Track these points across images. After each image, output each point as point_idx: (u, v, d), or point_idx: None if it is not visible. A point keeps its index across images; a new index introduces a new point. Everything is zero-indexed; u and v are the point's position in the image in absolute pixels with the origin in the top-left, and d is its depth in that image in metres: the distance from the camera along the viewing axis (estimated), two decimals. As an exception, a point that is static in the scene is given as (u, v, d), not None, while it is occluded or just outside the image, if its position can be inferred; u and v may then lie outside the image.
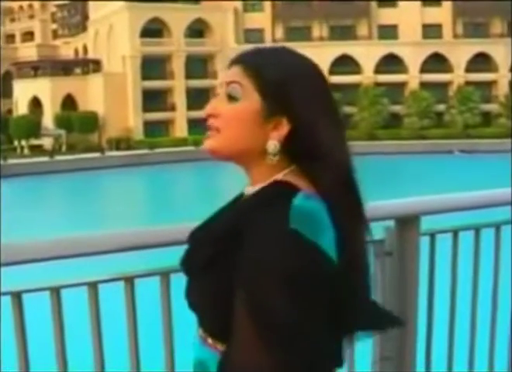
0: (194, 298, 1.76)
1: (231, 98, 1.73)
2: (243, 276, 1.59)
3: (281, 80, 1.70)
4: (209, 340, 1.75)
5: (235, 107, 1.72)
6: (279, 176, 1.72)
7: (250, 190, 1.77)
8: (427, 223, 2.98)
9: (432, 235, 3.02)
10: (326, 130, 1.71)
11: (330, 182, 1.68)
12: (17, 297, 2.34)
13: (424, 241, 2.99)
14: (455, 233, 3.10)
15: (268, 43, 67.94)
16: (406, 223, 2.90)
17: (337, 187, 1.69)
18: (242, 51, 1.82)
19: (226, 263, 1.66)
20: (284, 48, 1.82)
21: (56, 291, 2.38)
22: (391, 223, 2.90)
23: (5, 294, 2.33)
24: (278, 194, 1.67)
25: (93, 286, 2.43)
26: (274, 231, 1.59)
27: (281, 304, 1.54)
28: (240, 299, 1.59)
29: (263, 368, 1.56)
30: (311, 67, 1.78)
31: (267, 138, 1.71)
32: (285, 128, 1.70)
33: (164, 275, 2.49)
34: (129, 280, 2.47)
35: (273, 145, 1.70)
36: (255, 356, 1.57)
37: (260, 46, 1.84)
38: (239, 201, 1.80)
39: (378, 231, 2.80)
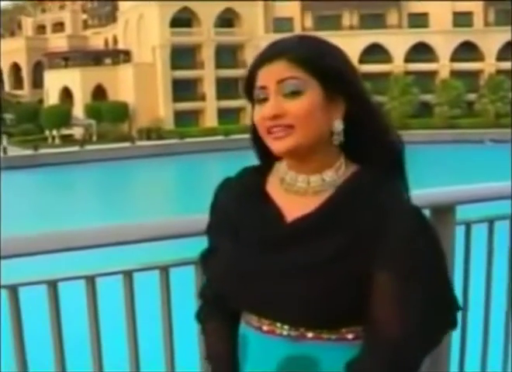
0: (302, 298, 1.71)
1: (294, 93, 1.71)
2: (394, 254, 1.68)
3: (334, 63, 1.74)
4: (310, 334, 1.75)
5: (301, 101, 1.70)
6: (342, 160, 1.80)
7: (328, 176, 1.79)
8: (462, 213, 2.95)
9: (468, 225, 2.99)
10: (377, 105, 1.82)
11: (391, 158, 1.81)
12: (53, 286, 2.35)
13: (460, 231, 2.96)
14: (491, 223, 3.06)
15: (297, 32, 67.70)
16: (442, 213, 2.87)
17: (392, 163, 1.81)
18: (273, 46, 1.78)
19: (360, 250, 1.70)
20: (300, 34, 1.86)
21: (91, 280, 2.39)
22: (426, 212, 2.88)
23: (41, 282, 2.34)
24: (381, 179, 1.77)
25: (128, 275, 2.43)
26: (409, 211, 1.73)
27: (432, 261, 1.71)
28: (381, 271, 1.68)
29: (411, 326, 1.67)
30: (342, 51, 1.82)
31: (331, 120, 1.74)
32: (342, 106, 1.75)
33: (199, 265, 2.48)
34: (164, 269, 2.47)
35: (339, 123, 1.75)
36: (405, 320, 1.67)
37: (285, 36, 1.83)
38: (336, 190, 1.78)
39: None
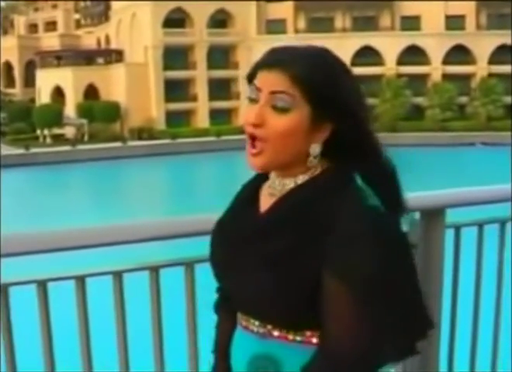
0: (258, 291, 1.73)
1: (280, 109, 1.69)
2: (339, 252, 1.64)
3: (330, 87, 1.70)
4: (276, 333, 1.77)
5: (286, 119, 1.69)
6: (319, 167, 1.78)
7: (300, 179, 1.79)
8: (451, 216, 2.96)
9: (457, 228, 3.01)
10: (370, 127, 1.78)
11: (379, 177, 1.77)
12: (42, 286, 2.35)
13: (449, 234, 2.97)
14: (480, 226, 3.08)
15: (290, 34, 67.85)
16: (432, 216, 2.88)
17: (385, 181, 1.79)
18: (274, 52, 1.77)
19: (309, 250, 1.68)
20: (315, 47, 1.79)
21: (81, 280, 2.39)
22: (416, 215, 2.89)
23: (31, 282, 2.34)
24: (338, 180, 1.75)
25: (118, 275, 2.44)
26: (357, 210, 1.67)
27: (379, 264, 1.63)
28: (331, 277, 1.64)
29: (363, 330, 1.63)
30: (345, 66, 1.79)
31: (311, 142, 1.73)
32: (328, 130, 1.72)
33: (189, 265, 2.49)
34: (155, 270, 2.47)
35: (316, 147, 1.73)
36: (355, 323, 1.63)
37: (289, 45, 1.79)
38: (292, 190, 1.79)
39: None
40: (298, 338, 1.76)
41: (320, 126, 1.73)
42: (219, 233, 1.94)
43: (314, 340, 1.75)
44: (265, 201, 1.85)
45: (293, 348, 1.76)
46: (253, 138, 1.74)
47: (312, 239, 1.69)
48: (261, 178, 1.93)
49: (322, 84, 1.70)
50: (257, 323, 1.81)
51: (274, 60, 1.74)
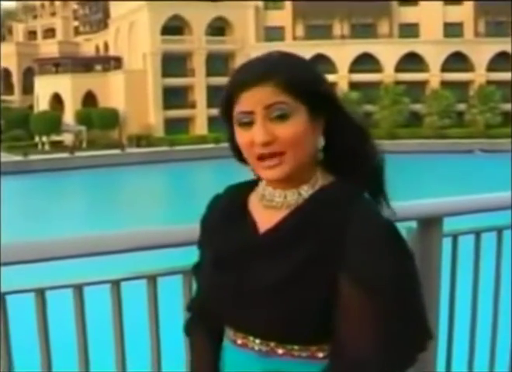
0: (270, 311, 1.71)
1: (281, 116, 1.69)
2: (360, 262, 1.64)
3: (316, 85, 1.73)
4: (280, 350, 1.74)
5: (290, 126, 1.69)
6: (318, 174, 1.79)
7: (304, 190, 1.78)
8: (448, 224, 2.96)
9: (455, 237, 3.00)
10: (357, 118, 1.82)
11: (368, 171, 1.80)
12: (40, 294, 2.35)
13: (446, 242, 2.97)
14: (478, 235, 3.08)
15: (288, 41, 67.88)
16: (429, 224, 2.88)
17: (373, 176, 1.81)
18: (254, 68, 1.74)
19: (325, 264, 1.68)
20: (288, 53, 1.80)
21: (79, 289, 2.39)
22: (413, 224, 2.89)
23: (29, 291, 2.34)
24: (348, 191, 1.76)
25: (115, 284, 2.43)
26: (373, 220, 1.70)
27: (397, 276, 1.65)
28: (352, 286, 1.64)
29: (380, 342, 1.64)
30: (315, 65, 1.83)
31: (316, 138, 1.75)
32: (323, 121, 1.76)
33: (186, 274, 2.49)
34: (152, 279, 2.47)
35: (322, 141, 1.77)
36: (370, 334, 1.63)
37: (262, 55, 1.79)
38: (305, 201, 1.77)
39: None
40: (303, 354, 1.74)
41: (318, 120, 1.75)
42: (208, 247, 1.91)
43: (320, 355, 1.73)
44: (263, 215, 1.81)
45: (299, 364, 1.73)
46: (264, 156, 1.71)
47: (325, 253, 1.68)
48: (241, 191, 1.91)
49: (310, 82, 1.74)
50: (257, 341, 1.78)
51: (255, 76, 1.71)
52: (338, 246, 1.67)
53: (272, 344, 1.75)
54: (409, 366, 1.73)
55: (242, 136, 1.74)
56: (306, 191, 1.78)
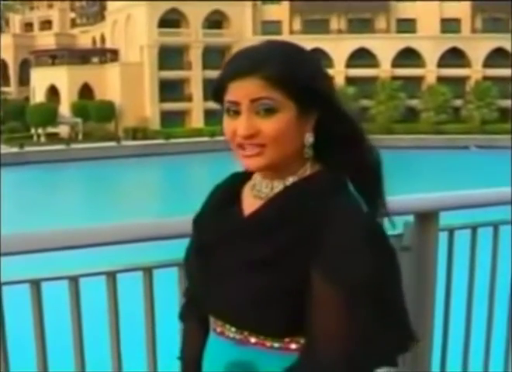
0: (239, 297, 1.70)
1: (267, 110, 1.67)
2: (332, 256, 1.62)
3: (308, 82, 1.69)
4: (253, 339, 1.74)
5: (275, 121, 1.67)
6: (308, 166, 1.76)
7: (289, 181, 1.76)
8: (445, 219, 2.97)
9: (451, 231, 3.01)
10: (352, 115, 1.77)
11: (363, 165, 1.76)
12: (36, 285, 2.35)
13: (442, 236, 2.98)
14: (474, 229, 3.09)
15: (285, 35, 67.79)
16: (426, 219, 2.89)
17: (368, 171, 1.77)
18: (245, 58, 1.72)
19: (298, 254, 1.66)
20: (288, 44, 1.77)
21: (75, 280, 2.39)
22: (410, 218, 2.89)
23: (24, 282, 2.34)
24: (330, 182, 1.73)
25: (111, 275, 2.44)
26: (351, 215, 1.67)
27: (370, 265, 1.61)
28: (322, 280, 1.62)
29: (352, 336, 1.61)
30: (307, 51, 1.78)
31: (303, 134, 1.71)
32: (314, 117, 1.71)
33: (182, 266, 2.48)
34: (148, 271, 2.47)
35: (310, 137, 1.72)
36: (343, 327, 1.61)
37: (249, 46, 1.76)
38: (281, 192, 1.76)
39: (396, 225, 2.80)
40: (276, 344, 1.73)
41: (307, 116, 1.72)
42: (195, 234, 1.91)
43: (293, 346, 1.72)
44: (250, 203, 1.81)
45: (271, 354, 1.72)
46: (245, 145, 1.71)
47: (301, 242, 1.66)
48: (239, 179, 1.91)
49: (303, 78, 1.69)
50: (233, 329, 1.77)
51: (244, 67, 1.69)
52: (314, 240, 1.65)
53: (246, 333, 1.75)
54: (384, 366, 1.72)
55: (227, 124, 1.74)
56: (290, 182, 1.77)
